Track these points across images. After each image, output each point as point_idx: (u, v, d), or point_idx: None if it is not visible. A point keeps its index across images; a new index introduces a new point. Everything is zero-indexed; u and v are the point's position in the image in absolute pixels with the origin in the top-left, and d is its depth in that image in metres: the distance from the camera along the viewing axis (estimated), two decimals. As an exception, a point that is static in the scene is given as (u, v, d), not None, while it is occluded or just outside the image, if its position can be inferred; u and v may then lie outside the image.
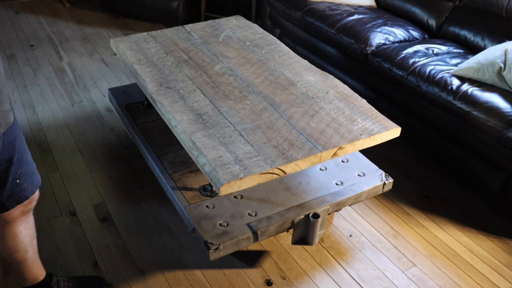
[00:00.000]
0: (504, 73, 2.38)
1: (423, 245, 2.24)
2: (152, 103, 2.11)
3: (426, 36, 3.11)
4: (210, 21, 2.75)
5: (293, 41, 3.56)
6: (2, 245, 1.63)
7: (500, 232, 2.33)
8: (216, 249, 1.80)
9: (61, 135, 2.84)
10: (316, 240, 2.05)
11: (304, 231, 2.04)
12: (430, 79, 2.56)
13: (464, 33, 2.97)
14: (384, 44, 2.94)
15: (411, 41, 3.00)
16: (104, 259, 2.10)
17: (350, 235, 2.27)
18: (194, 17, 4.22)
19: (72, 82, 3.36)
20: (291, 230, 2.08)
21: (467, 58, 2.71)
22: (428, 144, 2.67)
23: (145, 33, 2.59)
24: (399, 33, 3.03)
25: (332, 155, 1.82)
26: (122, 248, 2.15)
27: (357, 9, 3.33)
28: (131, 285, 1.99)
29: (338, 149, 1.82)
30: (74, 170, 2.57)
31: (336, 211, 2.24)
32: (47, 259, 2.06)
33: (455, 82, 2.49)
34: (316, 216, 1.97)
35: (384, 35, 2.98)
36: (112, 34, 4.06)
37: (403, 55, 2.76)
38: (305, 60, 2.40)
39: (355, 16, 3.16)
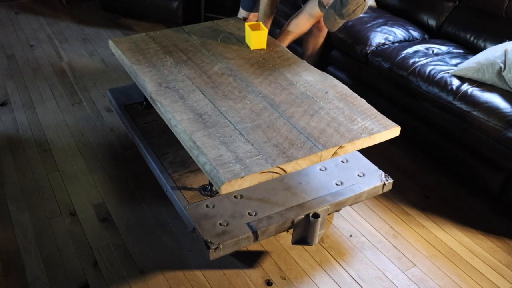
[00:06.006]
0: (504, 73, 2.38)
1: (423, 245, 2.24)
2: (151, 103, 2.11)
3: (426, 36, 3.11)
4: (209, 22, 2.75)
5: (293, 41, 3.55)
6: None
7: (500, 232, 2.33)
8: (216, 248, 1.80)
9: (61, 135, 2.83)
10: (316, 240, 2.05)
11: (304, 231, 2.04)
12: (430, 79, 2.56)
13: (464, 33, 2.98)
14: (384, 44, 2.94)
15: (411, 41, 3.00)
16: (104, 259, 2.10)
17: (350, 235, 2.26)
18: (194, 18, 4.22)
19: (72, 82, 3.36)
20: (291, 230, 2.08)
21: (467, 58, 2.71)
22: (428, 144, 2.67)
23: (144, 33, 2.58)
24: (399, 33, 3.03)
25: (333, 154, 1.82)
26: (122, 248, 2.15)
27: (357, 9, 3.32)
28: (131, 285, 1.99)
29: (338, 148, 1.82)
30: (74, 170, 2.57)
31: (336, 211, 2.24)
32: (47, 259, 2.07)
33: (455, 82, 2.49)
34: (316, 216, 1.97)
35: (384, 35, 2.98)
36: (112, 34, 4.06)
37: (403, 55, 2.76)
38: (304, 60, 2.40)
39: (355, 16, 3.16)
